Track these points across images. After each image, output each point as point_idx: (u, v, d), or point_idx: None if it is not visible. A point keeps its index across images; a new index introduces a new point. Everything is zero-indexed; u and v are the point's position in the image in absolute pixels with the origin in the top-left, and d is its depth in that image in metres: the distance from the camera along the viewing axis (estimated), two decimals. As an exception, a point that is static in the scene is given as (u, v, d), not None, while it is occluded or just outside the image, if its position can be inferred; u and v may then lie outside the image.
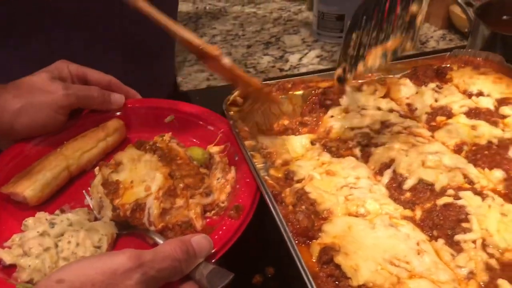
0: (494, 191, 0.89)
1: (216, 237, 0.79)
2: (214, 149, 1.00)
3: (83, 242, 0.78)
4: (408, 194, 0.88)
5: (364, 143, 1.00)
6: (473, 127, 1.02)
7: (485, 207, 0.83)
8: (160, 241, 0.81)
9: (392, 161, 0.94)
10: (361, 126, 1.05)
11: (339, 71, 0.93)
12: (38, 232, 0.79)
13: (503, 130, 1.02)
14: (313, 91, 1.16)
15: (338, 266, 0.73)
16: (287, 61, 1.72)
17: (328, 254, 0.75)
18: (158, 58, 1.47)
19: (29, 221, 0.84)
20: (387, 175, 0.92)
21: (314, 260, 0.77)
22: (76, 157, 0.96)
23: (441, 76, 1.20)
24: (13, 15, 1.10)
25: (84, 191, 0.95)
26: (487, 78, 1.17)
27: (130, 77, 1.29)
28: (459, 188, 0.87)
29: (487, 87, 1.14)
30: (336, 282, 0.72)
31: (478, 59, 1.24)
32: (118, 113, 1.08)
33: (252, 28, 1.93)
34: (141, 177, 0.87)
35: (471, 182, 0.89)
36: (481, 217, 0.81)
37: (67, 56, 1.08)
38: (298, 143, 1.05)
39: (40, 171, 0.91)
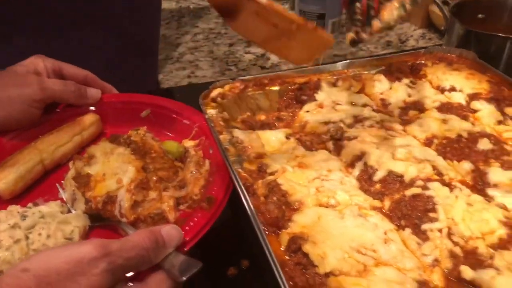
0: (463, 182, 0.90)
1: (187, 228, 0.80)
2: (189, 143, 1.01)
3: (54, 234, 0.79)
4: (378, 186, 0.90)
5: (337, 137, 1.02)
6: (444, 121, 1.04)
7: (452, 198, 0.85)
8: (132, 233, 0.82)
9: (363, 154, 0.95)
10: (334, 121, 1.06)
11: (351, 34, 0.92)
12: (9, 224, 0.80)
13: (473, 124, 1.04)
14: (289, 87, 1.17)
15: (306, 255, 0.75)
16: (268, 59, 1.74)
17: (296, 243, 0.76)
18: (144, 55, 1.48)
19: (1, 214, 0.85)
20: (358, 167, 0.94)
21: (283, 249, 0.78)
22: (51, 151, 0.97)
23: (415, 72, 1.22)
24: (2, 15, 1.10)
25: (57, 184, 0.95)
26: (460, 74, 1.19)
27: (113, 74, 1.29)
28: (428, 180, 0.89)
29: (460, 83, 1.16)
30: (304, 270, 0.73)
31: (452, 55, 1.26)
32: (94, 108, 1.09)
33: (234, 26, 1.94)
34: (113, 170, 0.88)
35: (440, 174, 0.91)
36: (448, 207, 0.83)
37: (50, 52, 1.08)
38: (274, 137, 1.06)
39: (14, 164, 0.91)
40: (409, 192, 0.86)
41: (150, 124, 1.07)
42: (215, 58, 1.74)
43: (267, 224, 0.82)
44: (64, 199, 0.92)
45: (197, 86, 1.54)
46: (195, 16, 2.04)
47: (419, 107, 1.10)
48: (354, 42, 0.93)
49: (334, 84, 1.17)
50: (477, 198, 0.85)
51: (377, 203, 0.87)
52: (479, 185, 0.90)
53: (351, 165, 0.96)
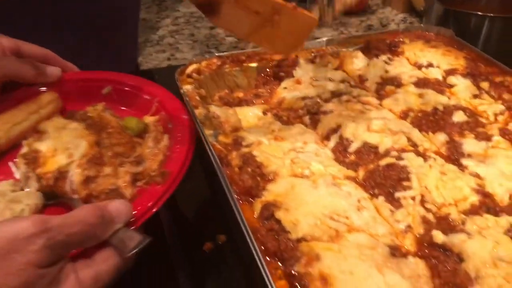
0: (437, 153, 0.91)
1: (139, 203, 0.76)
2: (149, 118, 0.98)
3: (2, 213, 0.75)
4: (352, 157, 0.90)
5: (313, 111, 1.02)
6: (420, 95, 1.04)
7: (426, 167, 0.85)
8: None
9: (339, 126, 0.95)
10: (312, 96, 1.06)
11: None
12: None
13: (449, 98, 1.04)
14: (267, 64, 1.17)
15: (278, 221, 0.74)
16: (249, 41, 1.73)
17: (269, 210, 0.76)
18: (120, 35, 1.46)
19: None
20: (334, 139, 0.94)
21: (256, 217, 0.77)
22: (6, 130, 0.92)
23: (393, 50, 1.22)
24: None
25: (10, 163, 0.91)
26: (437, 51, 1.19)
27: (90, 53, 1.27)
28: (403, 150, 0.89)
29: (437, 59, 1.17)
30: (276, 236, 0.73)
31: (430, 33, 1.27)
32: (54, 86, 1.06)
33: (215, 10, 1.93)
34: (64, 145, 0.84)
35: (414, 145, 0.91)
36: (422, 176, 0.83)
37: (21, 35, 1.06)
38: (251, 113, 1.06)
39: (-33, 144, 0.88)
40: (383, 162, 0.86)
41: (112, 101, 1.03)
42: (195, 41, 1.72)
43: (240, 194, 0.81)
44: (17, 177, 0.89)
45: (177, 68, 1.53)
46: (176, 0, 2.02)
47: (396, 82, 1.10)
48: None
49: (312, 61, 1.17)
50: (450, 167, 0.86)
51: (351, 173, 0.86)
52: (453, 155, 0.90)
53: (326, 137, 0.96)
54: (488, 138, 0.93)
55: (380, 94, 1.08)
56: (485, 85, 1.08)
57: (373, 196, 0.82)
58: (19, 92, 1.03)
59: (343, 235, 0.73)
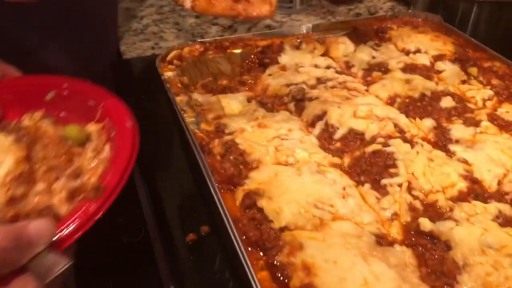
0: (424, 139, 0.89)
1: (67, 221, 0.68)
2: (92, 126, 0.90)
3: None
4: (338, 144, 0.88)
5: (298, 98, 0.99)
6: (408, 81, 1.02)
7: (413, 154, 0.83)
8: None
9: (324, 113, 0.93)
10: (297, 83, 1.03)
11: None
12: None
13: (437, 84, 1.02)
14: (252, 50, 1.14)
15: (260, 210, 0.72)
16: (235, 31, 1.69)
17: (251, 198, 0.73)
18: (99, 27, 1.42)
19: None
20: (319, 126, 0.91)
21: (238, 206, 0.75)
22: None
23: (381, 36, 1.20)
24: None
25: None
26: (425, 36, 1.17)
27: (69, 46, 1.24)
28: (389, 137, 0.87)
29: (425, 45, 1.14)
30: (258, 225, 0.70)
31: (418, 19, 1.24)
32: None
33: (200, -2, 1.89)
34: None
35: (401, 131, 0.89)
36: (409, 162, 0.81)
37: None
38: (234, 100, 1.03)
39: None
40: (370, 148, 0.84)
41: (55, 107, 0.95)
42: (180, 29, 1.68)
43: (222, 182, 0.79)
44: None
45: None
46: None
47: (383, 68, 1.08)
48: None
49: (297, 47, 1.14)
50: (438, 153, 0.84)
51: (336, 160, 0.84)
52: (441, 141, 0.88)
53: (311, 124, 0.93)
54: (476, 123, 0.91)
55: (367, 80, 1.06)
56: (473, 70, 1.06)
57: (359, 183, 0.80)
58: None
59: (328, 223, 0.70)
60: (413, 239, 0.70)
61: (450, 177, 0.78)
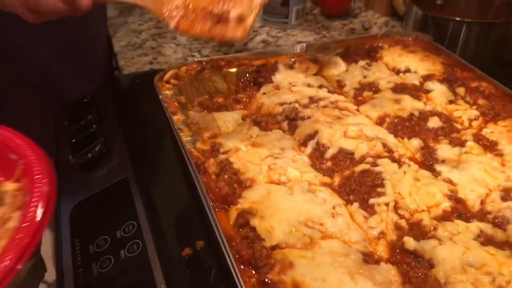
0: (412, 158, 0.92)
1: None
2: (8, 186, 0.79)
3: None
4: (329, 163, 0.91)
5: (291, 117, 1.02)
6: (397, 101, 1.06)
7: (400, 173, 0.86)
8: None
9: (316, 132, 0.96)
10: (290, 102, 1.07)
11: None
12: None
13: (425, 104, 1.06)
14: (247, 69, 1.17)
15: (253, 229, 0.75)
16: (232, 45, 1.73)
17: (244, 218, 0.77)
18: (91, 43, 1.45)
19: None
20: (311, 145, 0.95)
21: (231, 225, 0.78)
22: None
23: (372, 55, 1.24)
24: None
25: None
26: (415, 56, 1.21)
27: (62, 63, 1.27)
28: (378, 156, 0.90)
29: (414, 65, 1.18)
30: (251, 244, 0.74)
31: (408, 39, 1.28)
32: None
33: (198, 13, 1.93)
34: None
35: (390, 151, 0.93)
36: (396, 182, 0.84)
37: None
38: (230, 118, 1.06)
39: None
40: (359, 168, 0.88)
41: None
42: (178, 44, 1.72)
43: (216, 201, 0.82)
44: None
45: (158, 72, 1.53)
46: (160, 3, 2.02)
47: (373, 88, 1.12)
48: None
49: (291, 66, 1.18)
50: (424, 173, 0.87)
51: (327, 179, 0.88)
52: (428, 161, 0.92)
53: (304, 143, 0.97)
54: (462, 143, 0.94)
55: (358, 100, 1.10)
56: (461, 90, 1.09)
57: (348, 202, 0.83)
58: None
59: (317, 242, 0.74)
60: (398, 257, 0.74)
61: (435, 197, 0.82)
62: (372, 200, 0.82)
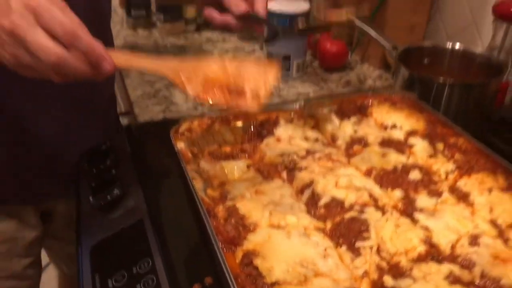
0: (394, 207, 1.06)
1: None
2: None
3: None
4: (322, 210, 1.04)
5: (290, 167, 1.17)
6: (383, 155, 1.20)
7: (383, 220, 1.00)
8: None
9: (312, 182, 1.10)
10: (289, 153, 1.21)
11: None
12: None
13: (408, 157, 1.20)
14: (251, 123, 1.32)
15: (256, 267, 0.88)
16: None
17: (248, 258, 0.90)
18: (98, 94, 1.57)
19: None
20: (307, 194, 1.09)
21: (237, 263, 0.91)
22: None
23: (363, 111, 1.39)
24: None
25: None
26: (401, 113, 1.36)
27: (69, 117, 1.40)
28: (364, 205, 1.04)
29: (400, 121, 1.33)
30: (254, 280, 0.86)
31: (396, 97, 1.43)
32: None
33: (207, 65, 2.10)
34: None
35: (375, 200, 1.06)
36: (379, 228, 0.98)
37: None
38: (236, 167, 1.21)
39: None
40: (348, 215, 1.01)
41: None
42: (186, 97, 1.88)
43: (225, 243, 0.95)
44: None
45: (170, 121, 1.68)
46: (172, 55, 2.20)
47: (363, 142, 1.26)
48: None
49: (290, 121, 1.33)
50: (404, 220, 1.01)
51: (320, 224, 1.01)
52: (408, 210, 1.05)
53: (301, 191, 1.10)
54: (438, 194, 1.08)
55: (349, 153, 1.24)
56: (440, 145, 1.23)
57: (338, 245, 0.96)
58: None
59: (310, 279, 0.87)
60: (379, 294, 0.86)
61: (412, 241, 0.95)
62: (358, 244, 0.95)
